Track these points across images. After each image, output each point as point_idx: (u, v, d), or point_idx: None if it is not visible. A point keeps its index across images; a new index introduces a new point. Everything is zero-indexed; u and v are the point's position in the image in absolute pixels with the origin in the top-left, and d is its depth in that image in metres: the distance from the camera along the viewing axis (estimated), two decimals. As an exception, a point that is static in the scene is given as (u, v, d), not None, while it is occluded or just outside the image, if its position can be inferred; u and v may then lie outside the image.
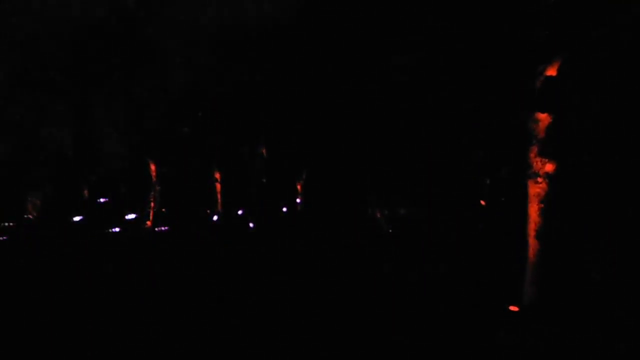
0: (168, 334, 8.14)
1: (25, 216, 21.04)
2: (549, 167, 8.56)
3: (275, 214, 26.69)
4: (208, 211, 24.98)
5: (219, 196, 25.60)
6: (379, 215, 21.29)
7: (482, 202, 21.25)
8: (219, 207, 25.39)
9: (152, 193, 20.46)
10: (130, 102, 23.73)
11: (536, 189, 8.83)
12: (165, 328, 8.43)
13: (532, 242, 8.97)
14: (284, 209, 28.42)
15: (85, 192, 24.48)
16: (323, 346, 7.81)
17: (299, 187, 28.62)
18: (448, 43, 12.29)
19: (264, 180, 27.88)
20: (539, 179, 8.71)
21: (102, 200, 26.60)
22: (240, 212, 23.18)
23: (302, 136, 24.72)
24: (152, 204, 20.31)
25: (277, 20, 21.40)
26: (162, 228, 21.10)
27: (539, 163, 8.62)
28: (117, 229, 20.50)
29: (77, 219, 20.69)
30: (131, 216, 20.89)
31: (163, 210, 21.72)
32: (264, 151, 26.59)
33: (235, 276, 12.85)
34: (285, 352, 7.55)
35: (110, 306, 9.82)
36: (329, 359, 7.44)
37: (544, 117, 8.49)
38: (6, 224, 20.96)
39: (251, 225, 20.80)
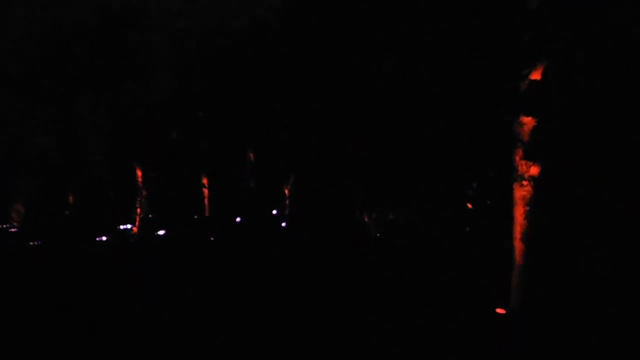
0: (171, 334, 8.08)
1: (4, 226, 20.64)
2: (534, 170, 8.60)
3: (263, 219, 26.59)
4: (196, 217, 24.79)
5: (206, 201, 25.42)
6: (367, 219, 21.32)
7: (469, 205, 21.32)
8: (206, 213, 25.21)
9: (139, 198, 20.26)
10: (116, 107, 23.54)
11: (522, 191, 8.86)
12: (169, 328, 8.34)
13: (518, 245, 8.99)
14: (272, 213, 28.33)
15: (71, 198, 24.16)
16: (318, 346, 7.81)
17: (286, 191, 28.54)
18: (434, 46, 12.37)
19: (252, 185, 27.75)
20: (524, 182, 8.75)
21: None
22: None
23: (289, 141, 24.69)
24: (138, 210, 20.10)
25: (265, 25, 21.42)
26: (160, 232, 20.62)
27: (524, 166, 8.65)
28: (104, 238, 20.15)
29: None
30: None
31: (150, 215, 21.53)
32: (251, 156, 26.50)
33: (227, 280, 12.76)
34: (283, 351, 7.57)
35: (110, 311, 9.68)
36: (325, 358, 7.51)
37: (528, 121, 8.54)
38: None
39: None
